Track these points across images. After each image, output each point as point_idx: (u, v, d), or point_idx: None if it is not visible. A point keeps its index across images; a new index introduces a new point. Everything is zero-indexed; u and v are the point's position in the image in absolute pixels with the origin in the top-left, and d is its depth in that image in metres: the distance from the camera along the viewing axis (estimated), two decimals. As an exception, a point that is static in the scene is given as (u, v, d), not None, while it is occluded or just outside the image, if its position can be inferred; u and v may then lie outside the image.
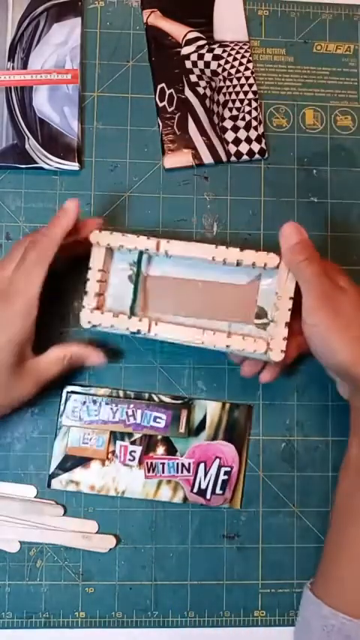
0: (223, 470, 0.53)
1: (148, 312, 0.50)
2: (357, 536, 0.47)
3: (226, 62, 0.56)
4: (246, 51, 0.57)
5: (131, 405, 0.53)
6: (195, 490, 0.53)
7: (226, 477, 0.53)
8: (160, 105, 0.56)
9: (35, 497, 0.52)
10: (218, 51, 0.56)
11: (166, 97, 0.56)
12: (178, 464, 0.53)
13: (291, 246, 0.46)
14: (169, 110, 0.56)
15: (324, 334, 0.45)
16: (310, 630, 0.46)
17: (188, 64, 0.56)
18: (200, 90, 0.56)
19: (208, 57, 0.56)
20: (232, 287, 0.50)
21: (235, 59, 0.57)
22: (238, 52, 0.57)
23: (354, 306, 0.45)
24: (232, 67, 0.56)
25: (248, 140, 0.56)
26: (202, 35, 0.57)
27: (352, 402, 0.49)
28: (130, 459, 0.52)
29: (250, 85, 0.56)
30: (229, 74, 0.56)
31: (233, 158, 0.56)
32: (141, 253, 0.50)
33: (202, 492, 0.53)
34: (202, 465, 0.53)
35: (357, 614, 0.44)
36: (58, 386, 0.53)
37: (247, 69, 0.57)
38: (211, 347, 0.48)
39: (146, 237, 0.48)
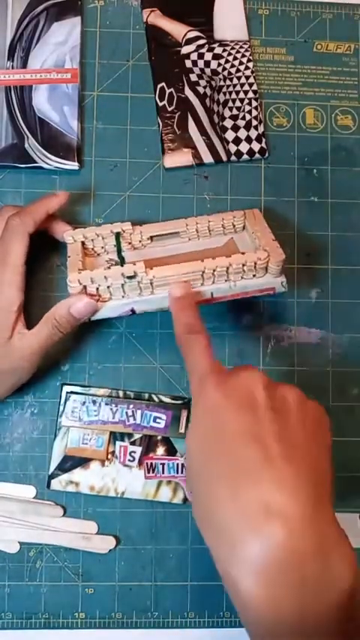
0: (223, 470, 0.53)
1: None
2: None
3: (227, 61, 0.56)
4: (246, 50, 0.57)
5: (131, 406, 0.52)
6: (195, 490, 0.52)
7: (226, 478, 0.53)
8: (160, 104, 0.56)
9: (35, 497, 0.52)
10: (218, 50, 0.56)
11: (166, 96, 0.56)
12: (178, 464, 0.53)
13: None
14: (169, 109, 0.56)
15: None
16: None
17: (188, 63, 0.56)
18: (200, 89, 0.56)
19: (208, 56, 0.56)
20: (212, 250, 0.51)
21: (235, 58, 0.56)
22: (238, 52, 0.56)
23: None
24: (233, 66, 0.56)
25: (248, 139, 0.56)
26: (202, 34, 0.56)
27: None
28: (129, 460, 0.52)
29: (251, 85, 0.56)
30: (230, 73, 0.56)
31: (233, 157, 0.56)
32: (118, 236, 0.50)
33: (202, 493, 0.52)
34: (202, 466, 0.53)
35: None
36: (57, 386, 0.53)
37: (247, 68, 0.56)
38: (211, 270, 0.45)
39: (118, 222, 0.50)
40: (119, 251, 0.50)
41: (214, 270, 0.46)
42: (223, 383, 0.36)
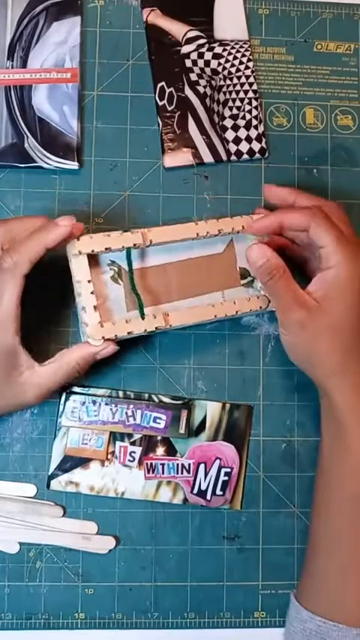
0: (223, 471, 0.53)
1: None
2: (322, 536, 0.47)
3: (227, 61, 0.56)
4: (246, 50, 0.57)
5: (131, 406, 0.52)
6: (195, 491, 0.52)
7: (226, 478, 0.53)
8: (160, 104, 0.56)
9: (35, 496, 0.52)
10: (218, 50, 0.56)
11: (166, 95, 0.56)
12: (178, 465, 0.52)
13: (256, 269, 0.47)
14: (169, 109, 0.56)
15: (296, 348, 0.47)
16: (293, 633, 0.47)
17: (188, 63, 0.56)
18: (200, 89, 0.56)
19: (208, 56, 0.56)
20: (211, 258, 0.52)
21: (235, 58, 0.56)
22: (238, 51, 0.56)
23: (324, 316, 0.45)
24: (233, 65, 0.56)
25: (248, 139, 0.56)
26: (202, 34, 0.56)
27: (321, 403, 0.49)
28: (129, 460, 0.52)
29: (251, 84, 0.56)
30: (230, 73, 0.56)
31: (233, 157, 0.56)
32: (129, 254, 0.48)
33: (202, 493, 0.52)
34: (202, 466, 0.53)
35: (331, 617, 0.45)
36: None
37: (247, 68, 0.56)
38: (222, 317, 0.50)
39: (129, 232, 0.47)
40: (132, 284, 0.48)
41: (225, 314, 0.50)
42: None
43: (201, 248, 0.51)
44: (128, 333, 0.47)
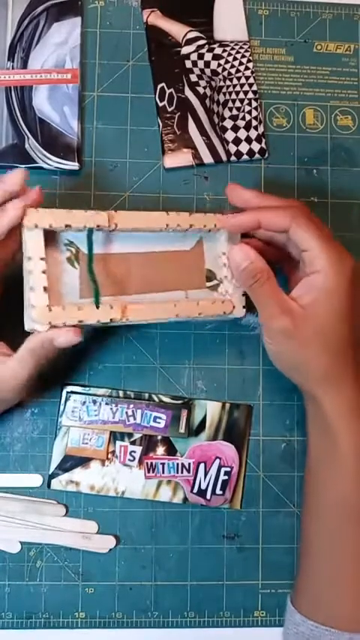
0: (223, 470, 0.53)
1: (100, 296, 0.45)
2: (313, 539, 0.47)
3: (226, 62, 0.56)
4: (246, 50, 0.57)
5: (131, 405, 0.52)
6: (195, 490, 0.52)
7: (226, 478, 0.53)
8: (160, 104, 0.56)
9: (41, 486, 0.52)
10: (218, 50, 0.56)
11: (166, 96, 0.56)
12: (178, 464, 0.53)
13: (239, 272, 0.44)
14: (169, 110, 0.56)
15: (281, 356, 0.46)
16: (288, 636, 0.47)
17: (188, 64, 0.56)
18: (200, 89, 0.56)
19: (208, 56, 0.56)
20: (179, 254, 0.49)
21: (235, 59, 0.56)
22: (238, 52, 0.57)
23: (311, 324, 0.43)
24: (232, 66, 0.56)
25: (248, 140, 0.56)
26: (202, 35, 0.57)
27: (307, 408, 0.48)
28: (130, 459, 0.52)
29: (250, 85, 0.56)
30: (229, 74, 0.56)
31: (233, 158, 0.56)
32: (90, 235, 0.44)
33: (202, 493, 0.52)
34: (202, 465, 0.53)
35: (324, 621, 0.45)
36: (58, 386, 0.53)
37: (247, 68, 0.57)
38: (184, 319, 0.46)
39: (94, 211, 0.43)
40: (90, 270, 0.44)
41: (187, 315, 0.47)
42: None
43: (169, 243, 0.48)
44: (79, 321, 0.42)
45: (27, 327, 0.43)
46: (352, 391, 0.45)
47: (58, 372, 0.53)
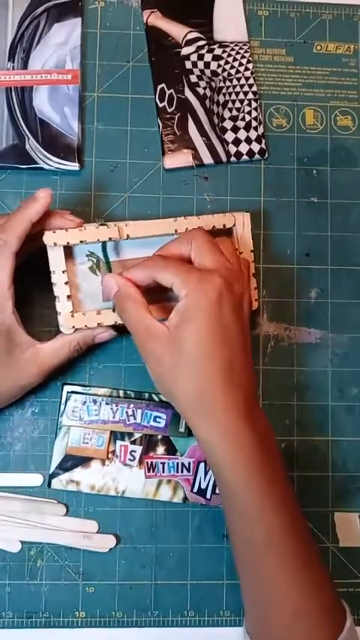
0: (223, 470, 0.53)
1: None
2: (240, 568, 0.45)
3: (226, 62, 0.57)
4: (246, 51, 0.57)
5: (131, 405, 0.53)
6: (195, 490, 0.53)
7: (226, 477, 0.53)
8: (160, 105, 0.56)
9: (41, 486, 0.52)
10: (218, 51, 0.57)
11: (166, 97, 0.56)
12: (178, 463, 0.53)
13: (112, 300, 0.47)
14: (169, 110, 0.56)
15: (157, 381, 0.45)
16: None
17: (188, 65, 0.56)
18: (200, 90, 0.56)
19: (208, 57, 0.56)
20: None
21: (235, 59, 0.57)
22: (238, 53, 0.57)
23: (176, 344, 0.43)
24: (232, 67, 0.56)
25: (248, 140, 0.56)
26: (202, 35, 0.57)
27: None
28: (130, 459, 0.52)
29: (250, 86, 0.56)
30: (229, 74, 0.56)
31: (233, 158, 0.56)
32: (105, 247, 0.50)
33: (202, 492, 0.53)
34: (202, 465, 0.53)
35: None
36: (58, 385, 0.53)
37: (247, 69, 0.57)
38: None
39: (105, 226, 0.48)
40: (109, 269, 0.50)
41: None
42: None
43: None
44: (98, 324, 0.48)
45: (63, 330, 0.48)
46: (224, 416, 0.42)
47: (58, 372, 0.53)
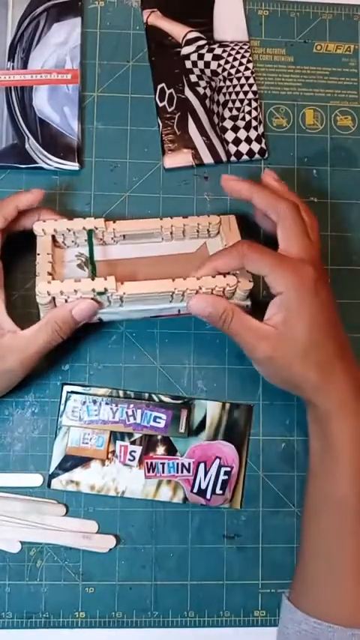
0: (223, 470, 0.53)
1: None
2: (315, 537, 0.47)
3: (226, 62, 0.56)
4: (246, 51, 0.57)
5: (131, 405, 0.53)
6: (195, 490, 0.53)
7: (226, 477, 0.53)
8: (160, 105, 0.56)
9: (41, 486, 0.52)
10: (218, 51, 0.56)
11: (166, 97, 0.56)
12: (178, 464, 0.53)
13: (206, 319, 0.47)
14: (169, 110, 0.56)
15: (273, 377, 0.47)
16: (287, 635, 0.47)
17: (188, 64, 0.56)
18: (200, 90, 0.56)
19: (208, 57, 0.56)
20: (183, 256, 0.51)
21: (235, 59, 0.57)
22: (238, 52, 0.57)
23: (288, 342, 0.45)
24: (232, 67, 0.56)
25: (248, 140, 0.56)
26: (202, 35, 0.57)
27: (308, 410, 0.49)
28: (130, 459, 0.52)
29: (250, 85, 0.56)
30: (229, 74, 0.56)
31: (233, 158, 0.56)
32: (90, 234, 0.49)
33: (202, 492, 0.53)
34: (202, 465, 0.53)
35: (326, 618, 0.44)
36: (58, 386, 0.53)
37: (247, 69, 0.57)
38: (181, 291, 0.46)
39: (92, 217, 0.49)
40: (91, 256, 0.48)
41: (183, 292, 0.47)
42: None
43: (172, 248, 0.51)
44: (75, 290, 0.45)
45: (39, 298, 0.46)
46: (346, 392, 0.46)
47: (58, 372, 0.53)
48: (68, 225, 0.49)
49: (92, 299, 0.46)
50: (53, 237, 0.49)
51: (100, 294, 0.46)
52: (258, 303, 0.49)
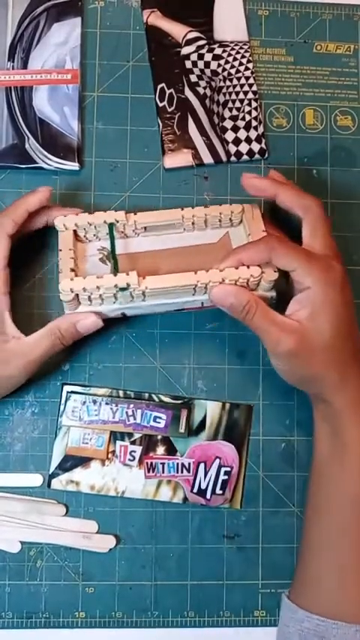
0: (223, 470, 0.53)
1: None
2: (320, 536, 0.47)
3: (226, 62, 0.56)
4: (246, 51, 0.57)
5: (131, 405, 0.53)
6: (195, 490, 0.53)
7: (226, 477, 0.53)
8: (160, 105, 0.56)
9: (41, 486, 0.52)
10: (218, 51, 0.56)
11: (166, 96, 0.56)
12: (178, 464, 0.53)
13: (227, 309, 0.47)
14: (169, 110, 0.56)
15: (292, 374, 0.47)
16: (289, 634, 0.47)
17: (188, 64, 0.56)
18: (200, 90, 0.56)
19: (208, 57, 0.56)
20: (205, 246, 0.51)
21: (235, 59, 0.57)
22: (238, 52, 0.57)
23: (312, 338, 0.45)
24: (232, 67, 0.56)
25: (248, 140, 0.56)
26: (202, 35, 0.57)
27: (315, 408, 0.49)
28: (130, 459, 0.52)
29: (250, 85, 0.56)
30: (229, 74, 0.56)
31: (233, 158, 0.56)
32: (111, 228, 0.49)
33: (202, 492, 0.53)
34: (202, 465, 0.53)
35: (329, 615, 0.44)
36: (58, 386, 0.53)
37: (247, 69, 0.57)
38: (204, 284, 0.46)
39: (113, 210, 0.49)
40: (113, 250, 0.48)
41: (206, 285, 0.46)
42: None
43: (194, 239, 0.51)
44: (97, 287, 0.45)
45: (62, 295, 0.46)
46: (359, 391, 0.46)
47: (58, 372, 0.53)
48: (89, 219, 0.48)
49: (96, 313, 0.47)
50: (74, 231, 0.49)
51: (123, 289, 0.45)
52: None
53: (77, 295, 0.46)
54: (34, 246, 0.53)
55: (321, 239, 0.46)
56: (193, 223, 0.50)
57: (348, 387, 0.46)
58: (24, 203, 0.48)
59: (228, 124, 0.56)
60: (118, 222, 0.49)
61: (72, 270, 0.46)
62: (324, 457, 0.48)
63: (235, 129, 0.56)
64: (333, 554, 0.46)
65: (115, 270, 0.46)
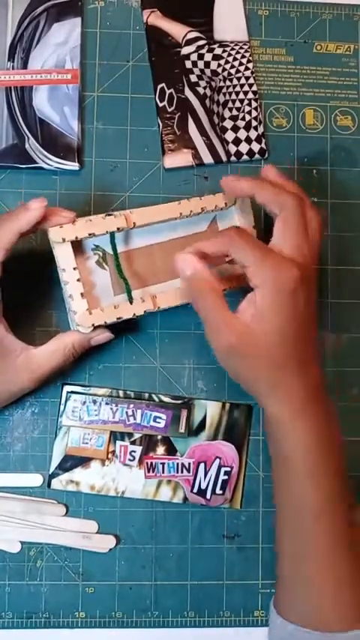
0: (223, 470, 0.53)
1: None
2: (285, 546, 0.46)
3: (226, 62, 0.56)
4: (246, 51, 0.57)
5: (131, 405, 0.53)
6: (195, 490, 0.53)
7: (226, 477, 0.53)
8: (160, 105, 0.56)
9: (41, 486, 0.52)
10: (218, 51, 0.56)
11: (166, 96, 0.56)
12: (178, 464, 0.53)
13: (183, 280, 0.45)
14: (169, 110, 0.56)
15: (230, 370, 0.45)
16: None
17: (188, 64, 0.56)
18: (200, 90, 0.56)
19: (208, 57, 0.56)
20: (196, 237, 0.51)
21: (235, 59, 0.57)
22: (238, 52, 0.57)
23: (254, 339, 0.43)
24: (232, 67, 0.56)
25: (248, 140, 0.56)
26: (202, 35, 0.57)
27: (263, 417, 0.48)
28: (130, 459, 0.52)
29: (250, 85, 0.56)
30: (229, 74, 0.56)
31: (233, 158, 0.56)
32: (113, 237, 0.47)
33: (202, 492, 0.53)
34: (202, 465, 0.53)
35: (305, 623, 0.43)
36: (58, 386, 0.53)
37: (247, 69, 0.57)
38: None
39: (112, 216, 0.47)
40: (118, 267, 0.48)
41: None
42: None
43: (184, 228, 0.51)
44: (117, 318, 0.47)
45: (72, 328, 0.47)
46: (295, 399, 0.44)
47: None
48: (89, 229, 0.46)
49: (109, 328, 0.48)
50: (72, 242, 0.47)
51: (140, 316, 0.48)
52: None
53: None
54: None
55: (289, 238, 0.43)
56: (187, 216, 0.49)
57: (282, 394, 0.44)
58: (16, 224, 0.44)
59: (228, 124, 0.56)
60: (119, 229, 0.47)
61: (82, 294, 0.46)
62: (274, 464, 0.46)
63: (235, 129, 0.56)
64: (301, 565, 0.45)
65: (130, 298, 0.47)
